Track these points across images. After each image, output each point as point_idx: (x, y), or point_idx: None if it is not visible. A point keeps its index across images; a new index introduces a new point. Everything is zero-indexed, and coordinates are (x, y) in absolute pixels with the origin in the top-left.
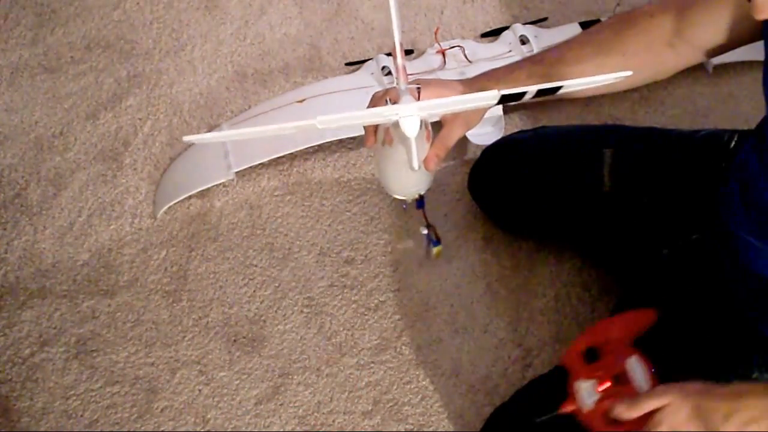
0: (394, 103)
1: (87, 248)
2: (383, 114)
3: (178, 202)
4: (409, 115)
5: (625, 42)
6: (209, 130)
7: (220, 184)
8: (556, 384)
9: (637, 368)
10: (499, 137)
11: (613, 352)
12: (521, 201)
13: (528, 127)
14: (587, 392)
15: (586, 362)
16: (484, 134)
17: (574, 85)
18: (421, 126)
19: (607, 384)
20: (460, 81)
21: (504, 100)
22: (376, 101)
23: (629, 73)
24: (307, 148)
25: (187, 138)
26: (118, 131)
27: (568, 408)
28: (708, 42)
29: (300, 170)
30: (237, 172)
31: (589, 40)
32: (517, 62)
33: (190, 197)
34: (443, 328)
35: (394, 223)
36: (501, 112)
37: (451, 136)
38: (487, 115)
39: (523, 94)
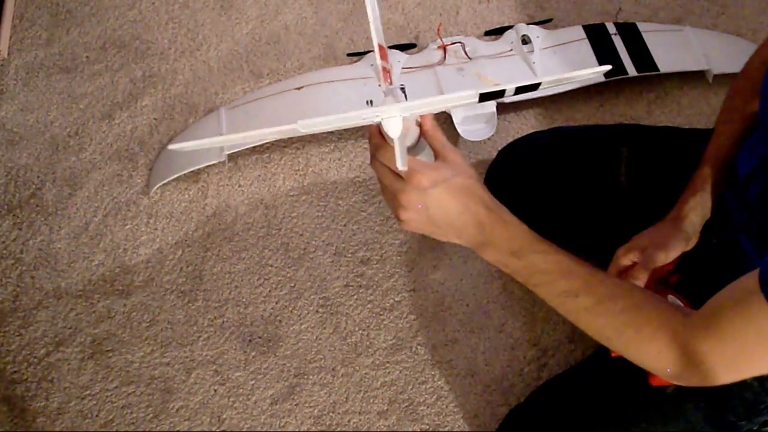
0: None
1: (102, 248)
2: (365, 116)
3: (171, 180)
4: (392, 116)
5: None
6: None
7: (236, 183)
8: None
9: (677, 304)
10: (492, 133)
11: None
12: (538, 200)
13: (544, 127)
14: None
15: None
16: (477, 130)
17: (551, 81)
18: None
19: None
20: (669, 220)
21: (483, 98)
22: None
23: (608, 67)
24: (321, 148)
25: (171, 146)
26: (133, 131)
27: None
28: None
29: (315, 170)
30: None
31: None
32: (701, 170)
33: (206, 197)
34: (458, 328)
35: None
36: (494, 109)
37: None
38: (480, 111)
39: (503, 92)
